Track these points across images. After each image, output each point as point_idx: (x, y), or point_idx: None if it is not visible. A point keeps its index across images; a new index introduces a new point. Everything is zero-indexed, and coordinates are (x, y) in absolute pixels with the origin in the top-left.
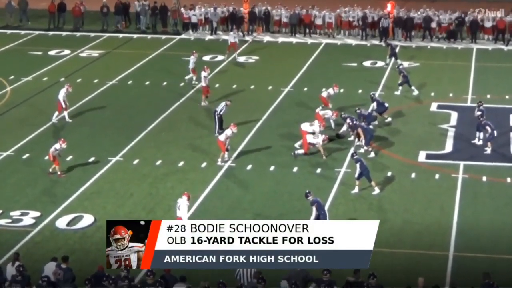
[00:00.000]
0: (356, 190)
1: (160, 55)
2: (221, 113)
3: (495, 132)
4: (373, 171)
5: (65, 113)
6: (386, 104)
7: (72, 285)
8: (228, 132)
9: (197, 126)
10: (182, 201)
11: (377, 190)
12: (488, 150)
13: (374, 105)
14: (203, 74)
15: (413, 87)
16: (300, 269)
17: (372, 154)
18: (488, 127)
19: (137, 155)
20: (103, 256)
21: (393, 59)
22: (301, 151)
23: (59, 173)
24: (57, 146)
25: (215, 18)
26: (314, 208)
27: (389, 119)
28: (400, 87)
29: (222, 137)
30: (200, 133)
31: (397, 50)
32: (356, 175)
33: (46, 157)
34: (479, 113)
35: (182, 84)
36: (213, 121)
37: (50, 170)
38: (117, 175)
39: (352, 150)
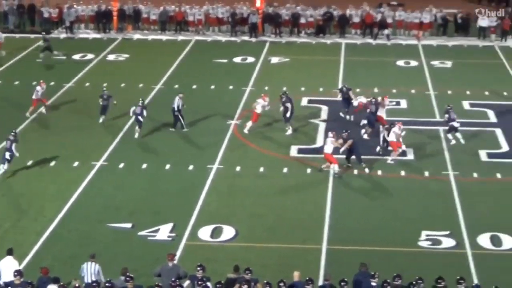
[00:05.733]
0: None
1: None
2: (180, 107)
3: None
4: (245, 167)
5: None
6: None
7: None
8: (260, 101)
9: (71, 124)
10: None
11: None
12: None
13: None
14: (38, 88)
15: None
16: (173, 265)
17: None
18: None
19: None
20: None
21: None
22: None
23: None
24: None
25: (68, 18)
26: None
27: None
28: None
29: (258, 109)
30: (73, 132)
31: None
32: None
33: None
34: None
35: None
36: (173, 119)
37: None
38: None
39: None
